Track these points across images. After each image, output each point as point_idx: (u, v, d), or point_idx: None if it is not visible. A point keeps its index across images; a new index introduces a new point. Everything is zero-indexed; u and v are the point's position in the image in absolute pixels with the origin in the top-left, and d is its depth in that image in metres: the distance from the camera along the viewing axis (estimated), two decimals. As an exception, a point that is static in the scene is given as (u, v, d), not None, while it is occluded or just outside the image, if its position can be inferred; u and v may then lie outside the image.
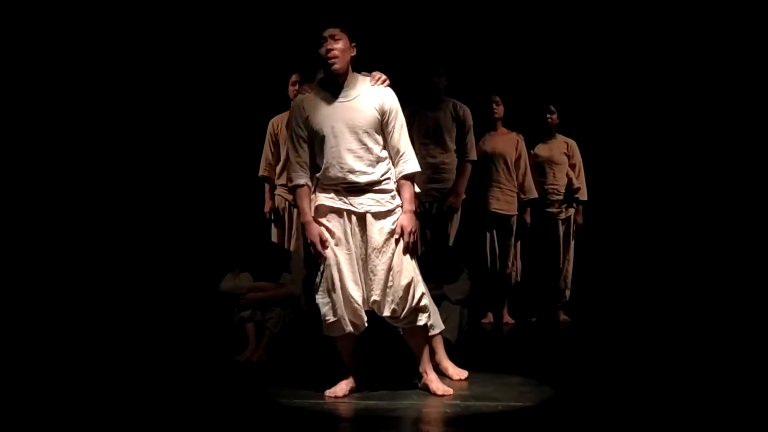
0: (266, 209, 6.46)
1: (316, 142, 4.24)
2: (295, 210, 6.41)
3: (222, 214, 7.38)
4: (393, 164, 4.29)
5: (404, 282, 4.17)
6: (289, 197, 6.42)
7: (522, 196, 7.11)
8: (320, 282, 4.23)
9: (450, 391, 4.27)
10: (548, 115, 7.30)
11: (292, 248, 6.23)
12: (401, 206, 4.25)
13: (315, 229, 4.21)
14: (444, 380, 4.42)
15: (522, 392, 4.33)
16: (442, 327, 4.58)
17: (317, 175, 4.26)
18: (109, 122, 7.63)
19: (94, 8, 7.45)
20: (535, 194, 7.12)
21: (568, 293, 7.32)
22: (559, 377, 4.67)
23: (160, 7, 7.54)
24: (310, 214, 4.24)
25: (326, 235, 4.20)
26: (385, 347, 4.74)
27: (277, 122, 6.49)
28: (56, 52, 7.45)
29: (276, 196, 6.45)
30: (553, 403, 4.16)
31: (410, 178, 4.28)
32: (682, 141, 7.84)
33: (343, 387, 4.27)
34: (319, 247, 4.19)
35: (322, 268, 4.22)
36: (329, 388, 4.29)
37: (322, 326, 5.22)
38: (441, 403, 4.12)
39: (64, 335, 6.20)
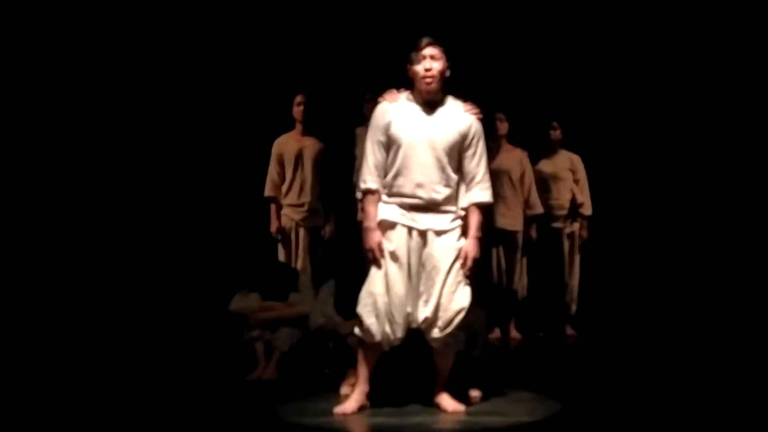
0: (273, 229, 6.49)
1: (392, 149, 4.20)
2: (301, 229, 6.46)
3: (229, 234, 7.41)
4: (466, 189, 4.26)
5: (456, 306, 4.15)
6: (296, 217, 6.47)
7: (527, 212, 7.14)
8: (366, 289, 4.18)
9: (461, 407, 4.26)
10: (551, 131, 7.33)
11: (299, 267, 6.26)
12: (464, 229, 4.24)
13: (376, 237, 4.17)
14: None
15: (530, 407, 4.34)
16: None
17: (386, 180, 4.22)
18: (115, 143, 7.68)
19: (106, 32, 7.55)
20: (540, 209, 7.14)
21: (574, 307, 7.33)
22: (568, 392, 4.68)
23: (167, 27, 7.60)
24: (375, 220, 4.21)
25: (384, 245, 4.17)
26: (396, 364, 4.74)
27: (283, 142, 6.54)
28: (74, 82, 7.59)
29: (283, 216, 6.50)
30: (562, 417, 4.16)
31: (481, 206, 4.28)
32: (687, 154, 7.85)
33: (352, 404, 4.25)
34: (377, 254, 4.15)
35: (372, 276, 4.17)
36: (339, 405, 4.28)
37: (329, 343, 5.24)
38: (451, 420, 4.13)
39: (71, 352, 6.22)
